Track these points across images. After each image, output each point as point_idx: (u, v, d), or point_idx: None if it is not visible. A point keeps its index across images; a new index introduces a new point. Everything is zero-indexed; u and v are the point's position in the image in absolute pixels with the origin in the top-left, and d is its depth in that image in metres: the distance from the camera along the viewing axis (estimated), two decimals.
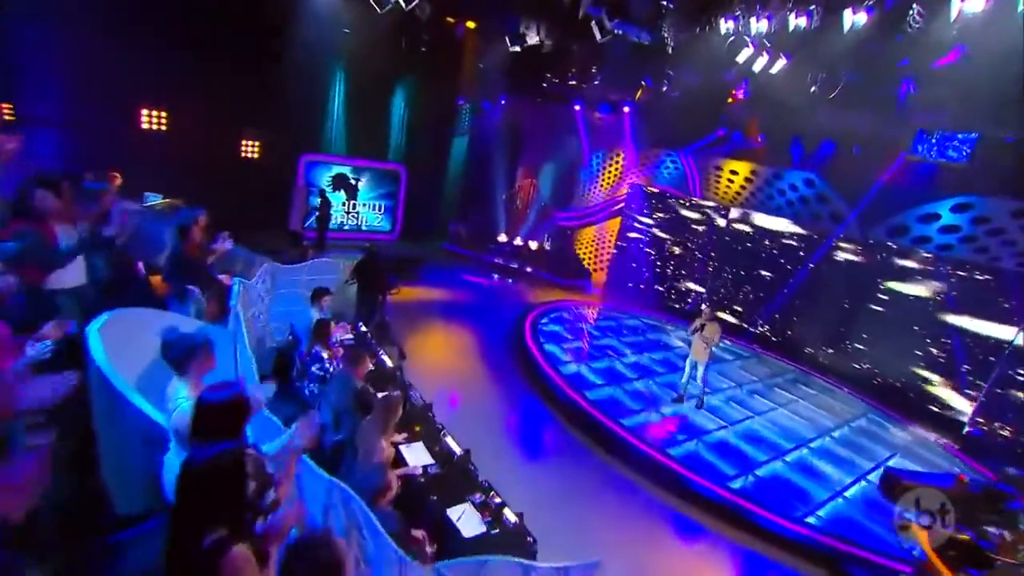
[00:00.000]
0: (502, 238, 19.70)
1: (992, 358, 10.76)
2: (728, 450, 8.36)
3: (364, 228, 18.26)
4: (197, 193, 8.47)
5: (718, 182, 15.97)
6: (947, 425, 11.16)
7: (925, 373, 11.72)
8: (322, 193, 16.17)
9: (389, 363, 7.19)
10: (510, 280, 17.32)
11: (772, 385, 11.75)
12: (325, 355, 6.15)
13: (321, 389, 5.76)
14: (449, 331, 11.58)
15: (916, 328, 11.86)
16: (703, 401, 9.53)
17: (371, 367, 6.11)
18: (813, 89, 11.93)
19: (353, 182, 17.59)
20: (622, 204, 18.41)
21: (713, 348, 9.08)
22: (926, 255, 11.84)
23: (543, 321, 12.73)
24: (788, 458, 8.43)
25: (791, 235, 14.07)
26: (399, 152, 18.53)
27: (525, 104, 19.05)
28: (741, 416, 9.60)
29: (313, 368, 6.04)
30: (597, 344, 12.08)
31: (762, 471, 7.89)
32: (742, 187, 15.38)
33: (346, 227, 17.85)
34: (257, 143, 15.03)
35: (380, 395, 5.06)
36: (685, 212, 16.48)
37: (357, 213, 18.01)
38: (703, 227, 16.04)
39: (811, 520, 6.94)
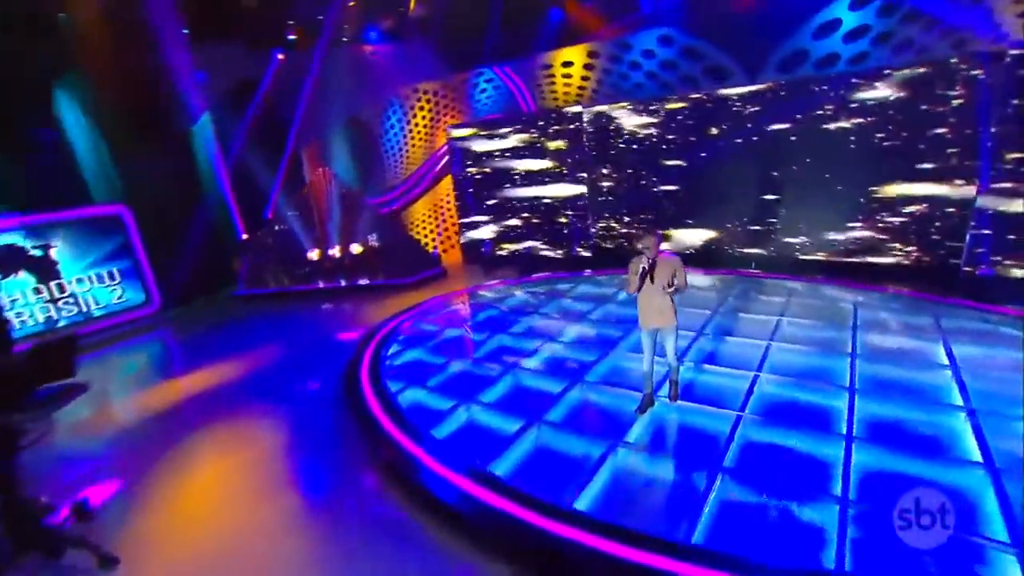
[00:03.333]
0: (313, 255, 14.42)
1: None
2: (811, 467, 4.44)
3: (98, 313, 11.97)
4: None
5: (552, 84, 12.16)
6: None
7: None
8: None
9: None
10: (345, 304, 12.23)
11: (729, 311, 8.22)
12: None
13: None
14: (233, 441, 6.36)
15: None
16: (677, 389, 5.51)
17: None
18: None
19: (37, 254, 11.21)
20: (446, 158, 14.04)
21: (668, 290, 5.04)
22: (845, 77, 8.93)
23: (391, 352, 8.03)
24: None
25: (656, 123, 10.67)
26: (110, 185, 12.32)
27: (271, 63, 13.64)
28: (744, 381, 5.78)
29: None
30: (483, 353, 7.67)
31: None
32: (584, 78, 11.70)
33: (61, 323, 11.47)
34: None
35: None
36: (525, 136, 12.51)
37: (72, 296, 11.66)
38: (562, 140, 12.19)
39: None
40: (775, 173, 9.72)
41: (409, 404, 6.29)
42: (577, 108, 11.61)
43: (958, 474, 4.05)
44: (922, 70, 8.21)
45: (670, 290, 4.89)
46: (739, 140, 9.91)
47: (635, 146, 11.24)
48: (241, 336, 10.54)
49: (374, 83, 13.76)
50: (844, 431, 4.64)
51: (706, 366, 6.20)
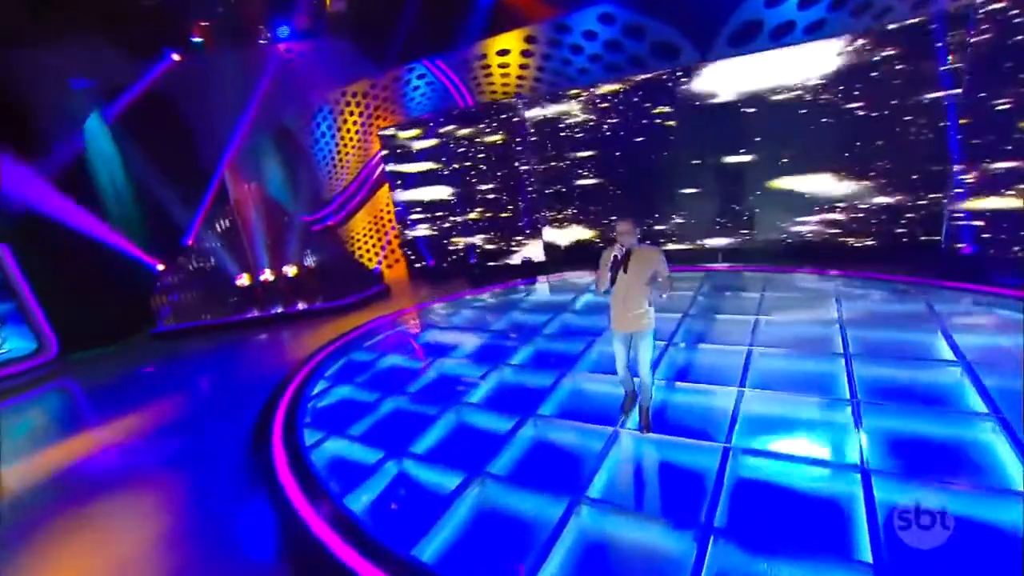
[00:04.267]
0: (243, 281, 13.01)
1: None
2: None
3: None
4: None
5: (489, 76, 11.16)
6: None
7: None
8: None
9: None
10: (282, 334, 10.88)
11: (701, 312, 7.32)
12: None
13: None
14: (107, 532, 5.00)
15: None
16: (648, 417, 4.52)
17: None
18: None
19: None
20: (382, 165, 12.89)
21: (663, 298, 4.08)
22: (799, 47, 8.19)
23: (316, 392, 6.81)
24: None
25: (616, 97, 9.79)
26: None
27: (161, 64, 12.08)
28: (726, 398, 4.83)
29: None
30: (421, 386, 6.53)
31: None
32: (523, 67, 10.73)
33: None
34: None
35: None
36: (464, 132, 11.48)
37: None
38: (499, 135, 11.19)
39: None
40: (741, 151, 8.92)
41: (329, 460, 5.13)
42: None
43: None
44: (892, 27, 7.51)
45: (663, 295, 4.03)
46: (689, 119, 9.11)
47: (580, 134, 10.32)
48: (152, 382, 9.12)
49: (295, 86, 12.46)
50: (856, 458, 3.71)
51: (679, 384, 5.21)
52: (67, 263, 11.30)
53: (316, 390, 6.86)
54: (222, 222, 13.16)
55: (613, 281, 4.09)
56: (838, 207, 8.43)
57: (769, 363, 5.43)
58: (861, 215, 8.31)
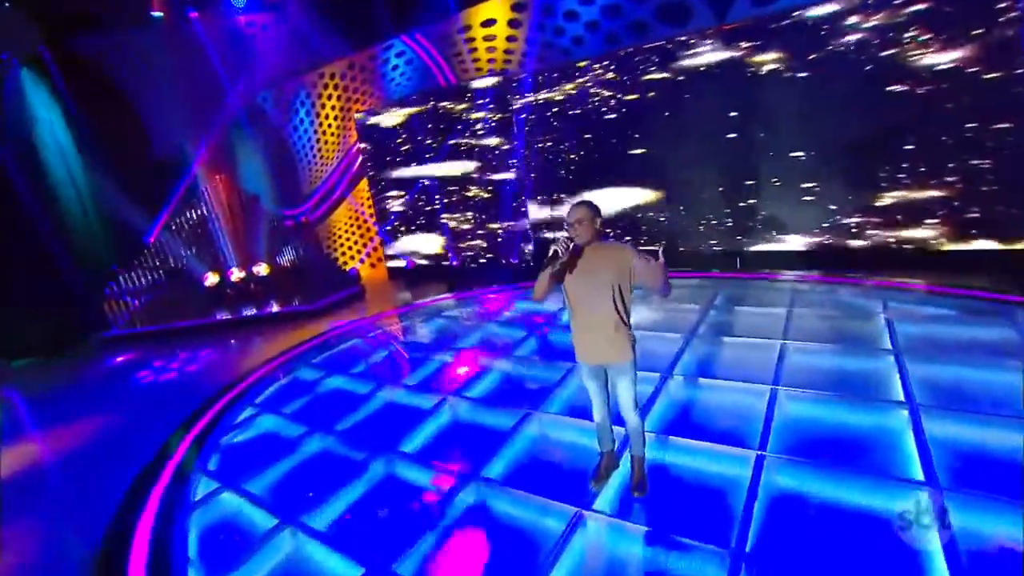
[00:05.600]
0: (210, 280, 11.87)
1: None
2: None
3: None
4: None
5: (474, 51, 9.83)
6: None
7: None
8: None
9: None
10: (244, 339, 9.70)
11: (709, 335, 5.94)
12: None
13: None
14: None
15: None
16: (643, 472, 3.23)
17: None
18: None
19: None
20: (360, 156, 11.68)
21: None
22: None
23: (239, 420, 5.57)
24: None
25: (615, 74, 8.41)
26: None
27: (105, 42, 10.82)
28: (743, 467, 3.48)
29: None
30: (357, 421, 5.25)
31: None
32: (511, 39, 9.38)
33: None
34: None
35: None
36: (449, 111, 10.20)
37: None
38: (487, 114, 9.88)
39: None
40: (761, 135, 7.48)
41: (214, 522, 3.89)
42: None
43: None
44: None
45: (664, 294, 2.95)
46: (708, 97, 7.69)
47: (573, 112, 8.94)
48: (81, 398, 7.98)
49: (264, 64, 11.27)
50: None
51: (676, 440, 3.83)
52: (8, 261, 10.26)
53: (241, 417, 5.64)
54: (189, 217, 12.02)
55: (560, 281, 2.93)
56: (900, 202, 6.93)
57: (799, 409, 4.04)
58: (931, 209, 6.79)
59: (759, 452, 3.43)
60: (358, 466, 4.13)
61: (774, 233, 7.73)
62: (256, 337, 9.47)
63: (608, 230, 8.96)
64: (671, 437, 3.79)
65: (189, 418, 5.76)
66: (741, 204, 7.85)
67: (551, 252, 2.78)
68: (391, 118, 11.06)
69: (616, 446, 3.50)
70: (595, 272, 2.85)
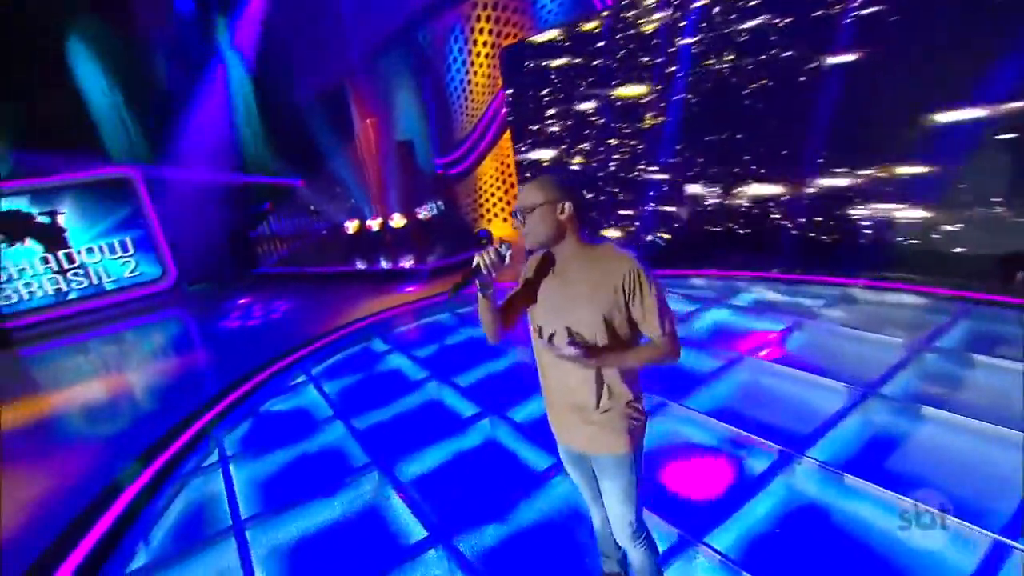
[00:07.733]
0: (351, 226, 11.74)
1: None
2: None
3: (110, 287, 10.90)
4: None
5: None
6: None
7: None
8: None
9: None
10: (355, 293, 9.27)
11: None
12: None
13: None
14: None
15: None
16: None
17: None
18: None
19: (44, 220, 10.27)
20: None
21: None
22: None
23: (265, 408, 4.68)
24: None
25: None
26: (122, 145, 11.03)
27: None
28: None
29: None
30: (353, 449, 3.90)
31: None
32: None
33: (72, 296, 10.57)
34: None
35: None
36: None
37: (81, 267, 10.66)
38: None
39: None
40: None
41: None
42: None
43: None
44: None
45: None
46: None
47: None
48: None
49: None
50: None
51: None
52: (191, 191, 11.25)
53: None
54: (339, 161, 11.91)
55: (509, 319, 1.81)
56: None
57: None
58: None
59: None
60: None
61: None
62: (374, 291, 8.75)
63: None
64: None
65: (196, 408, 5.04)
66: None
67: (473, 264, 1.58)
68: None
69: (619, 558, 2.13)
70: (571, 297, 1.62)
